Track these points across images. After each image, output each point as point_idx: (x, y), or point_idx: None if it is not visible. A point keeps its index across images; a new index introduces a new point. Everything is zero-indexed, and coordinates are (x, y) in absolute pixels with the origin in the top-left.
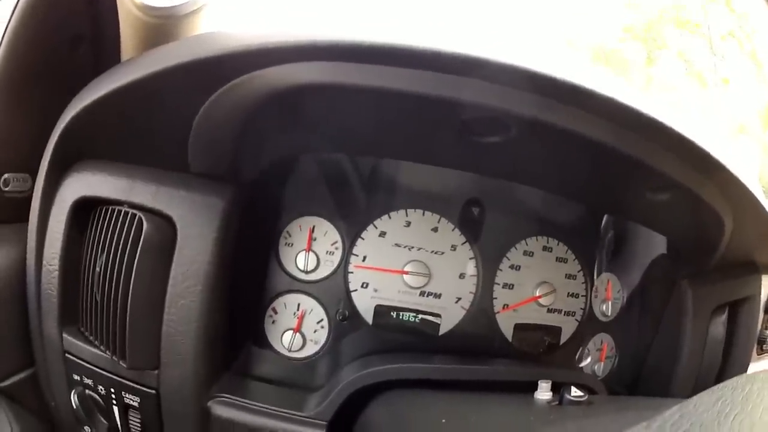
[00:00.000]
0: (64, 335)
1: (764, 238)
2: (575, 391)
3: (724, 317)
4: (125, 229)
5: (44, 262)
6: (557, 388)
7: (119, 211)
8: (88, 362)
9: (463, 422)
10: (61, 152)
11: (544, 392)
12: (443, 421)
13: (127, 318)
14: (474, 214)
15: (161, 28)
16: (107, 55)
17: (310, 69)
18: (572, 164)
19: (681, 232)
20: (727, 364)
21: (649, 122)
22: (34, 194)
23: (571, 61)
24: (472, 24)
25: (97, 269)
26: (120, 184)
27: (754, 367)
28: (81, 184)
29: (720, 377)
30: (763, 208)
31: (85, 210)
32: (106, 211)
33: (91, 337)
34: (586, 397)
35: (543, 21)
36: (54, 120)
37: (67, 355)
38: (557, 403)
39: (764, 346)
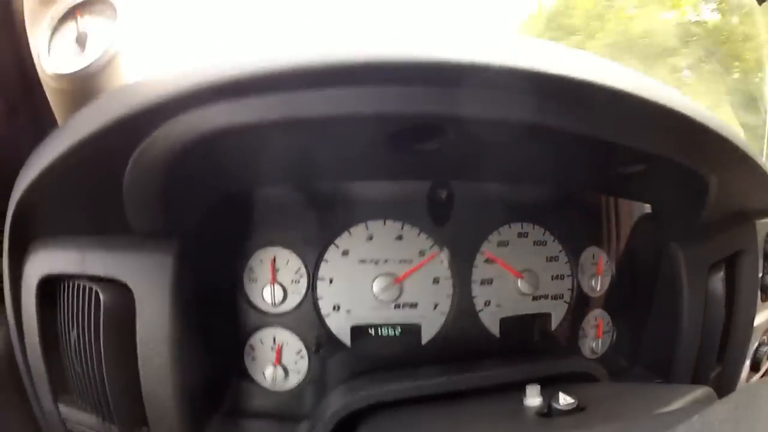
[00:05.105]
0: (60, 407)
1: (754, 185)
2: (564, 399)
3: (721, 273)
4: (86, 302)
5: (26, 341)
6: (552, 381)
7: (78, 285)
8: (87, 430)
9: None
10: (17, 232)
11: (533, 398)
12: None
13: (106, 385)
14: (442, 197)
15: (79, 90)
16: (45, 123)
17: (224, 111)
18: (527, 154)
19: (662, 197)
20: (733, 318)
21: (630, 99)
22: (4, 276)
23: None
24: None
25: (72, 342)
26: (72, 257)
27: (761, 316)
28: (41, 263)
29: (726, 332)
30: (751, 158)
31: (52, 286)
32: (68, 285)
33: (83, 405)
34: (576, 403)
35: None
36: (6, 197)
37: (67, 425)
38: (546, 412)
39: None
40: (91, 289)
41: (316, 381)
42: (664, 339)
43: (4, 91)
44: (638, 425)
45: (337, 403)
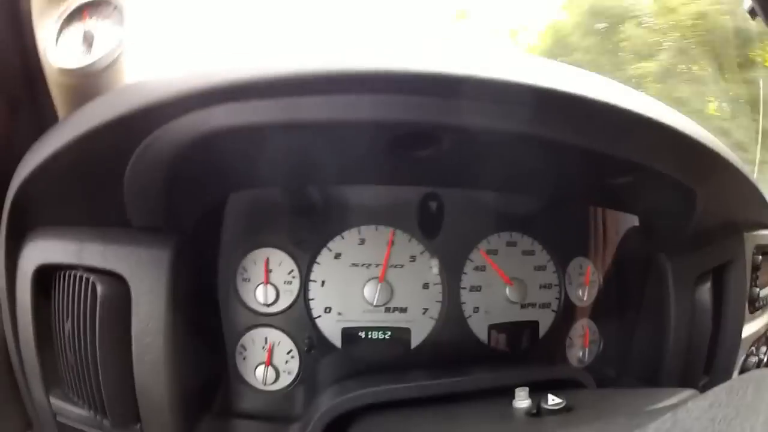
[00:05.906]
0: (52, 399)
1: (742, 197)
2: (552, 399)
3: (708, 284)
4: (82, 293)
5: (19, 331)
6: (540, 387)
7: (74, 275)
8: (78, 424)
9: None
10: (14, 222)
11: (521, 400)
12: None
13: (100, 378)
14: (433, 209)
15: (83, 87)
16: (47, 116)
17: (227, 112)
18: (519, 164)
19: (650, 208)
20: (720, 329)
21: (622, 113)
22: None
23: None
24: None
25: (66, 333)
26: (70, 247)
27: (748, 327)
28: (37, 252)
29: (713, 343)
30: (739, 170)
31: (47, 276)
32: (64, 275)
33: (75, 399)
34: (564, 403)
35: None
36: (5, 186)
37: (58, 418)
38: (535, 412)
39: (756, 303)
40: (87, 279)
41: (307, 382)
42: (652, 349)
43: (7, 84)
44: (622, 422)
45: (328, 404)
